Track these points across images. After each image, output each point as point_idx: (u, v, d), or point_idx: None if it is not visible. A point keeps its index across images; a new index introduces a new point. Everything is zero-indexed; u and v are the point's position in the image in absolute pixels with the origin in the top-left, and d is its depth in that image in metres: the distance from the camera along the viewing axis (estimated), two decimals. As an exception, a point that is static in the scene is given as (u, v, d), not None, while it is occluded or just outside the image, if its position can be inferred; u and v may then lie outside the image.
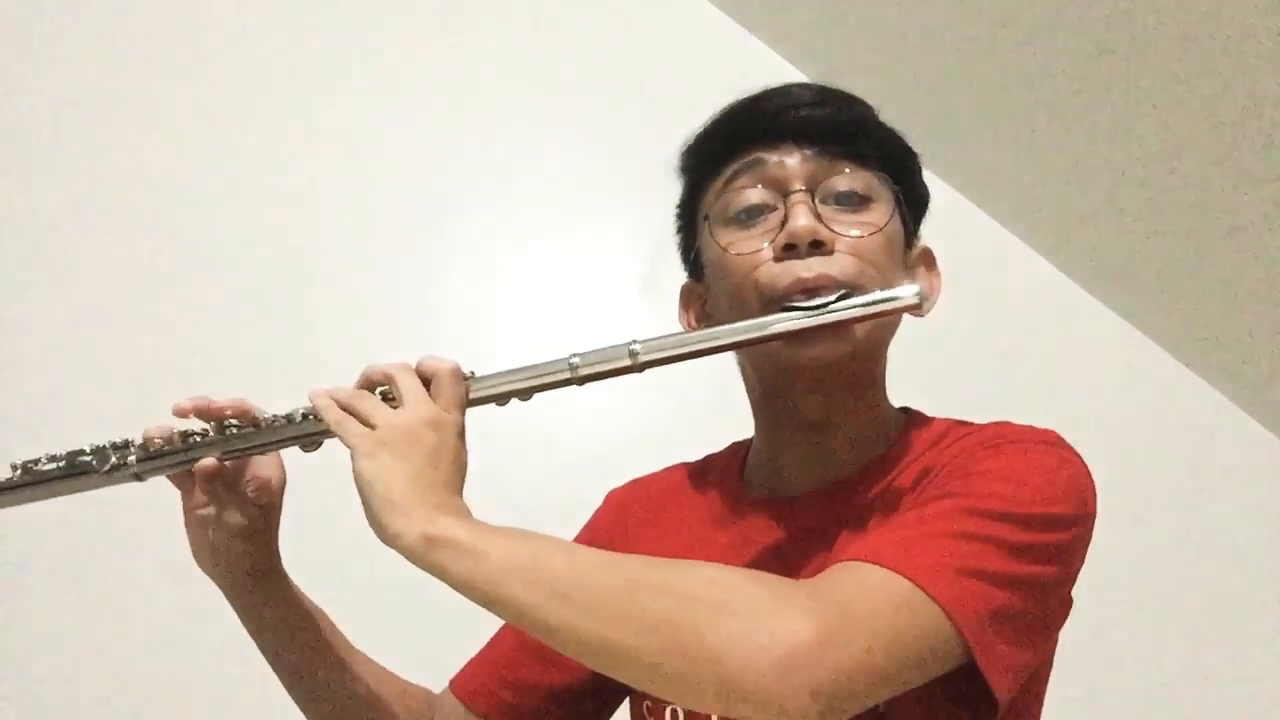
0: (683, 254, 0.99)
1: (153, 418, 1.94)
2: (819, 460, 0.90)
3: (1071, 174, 1.89)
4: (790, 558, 0.86)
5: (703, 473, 1.01)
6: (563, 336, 1.89)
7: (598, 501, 1.09)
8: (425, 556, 0.71)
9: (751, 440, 0.98)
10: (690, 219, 0.97)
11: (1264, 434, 1.90)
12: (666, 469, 1.06)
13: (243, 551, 0.89)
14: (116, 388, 1.81)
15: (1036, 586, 0.75)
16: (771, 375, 0.90)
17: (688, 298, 0.99)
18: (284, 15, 2.02)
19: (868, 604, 0.67)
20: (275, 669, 0.95)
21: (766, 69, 2.00)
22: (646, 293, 1.76)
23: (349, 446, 0.78)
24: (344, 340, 1.86)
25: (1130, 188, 1.83)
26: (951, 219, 2.10)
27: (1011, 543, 0.73)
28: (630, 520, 1.02)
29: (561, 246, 1.94)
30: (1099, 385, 1.92)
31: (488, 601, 0.70)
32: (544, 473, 1.77)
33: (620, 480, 1.09)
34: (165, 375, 1.83)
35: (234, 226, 1.91)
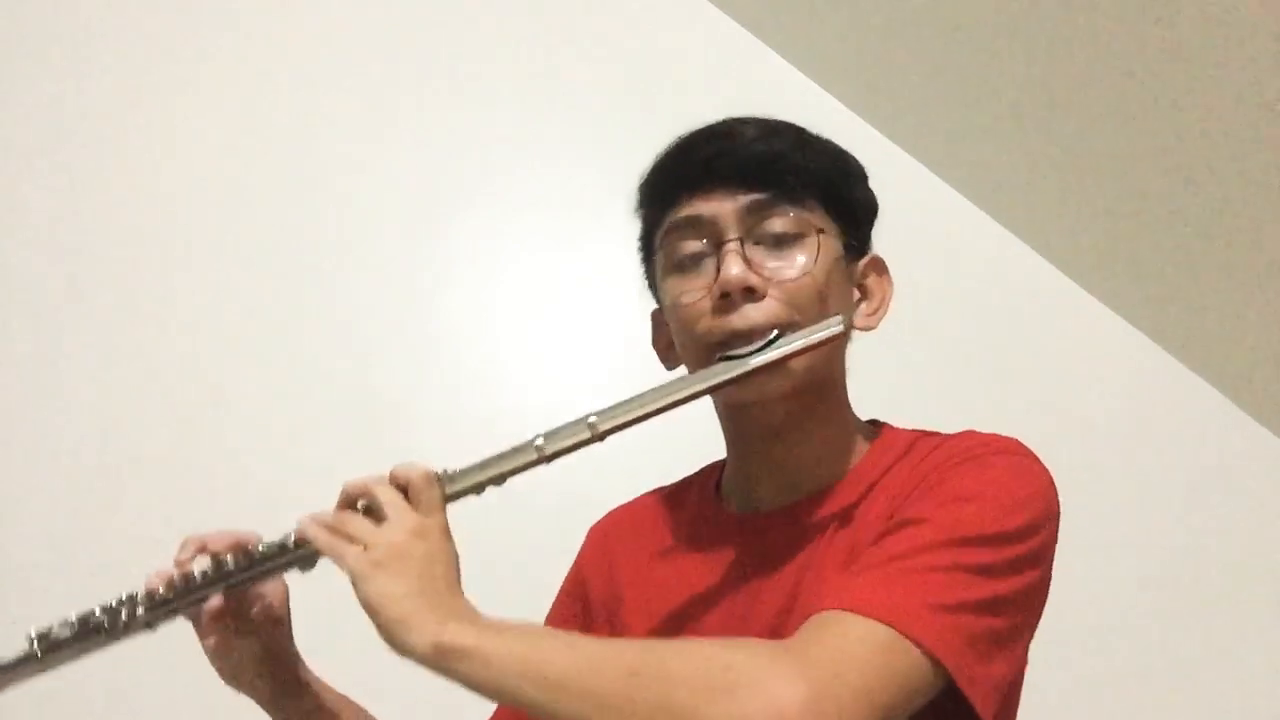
0: (648, 284, 1.04)
1: (153, 418, 1.94)
2: (788, 473, 0.94)
3: (1072, 174, 1.89)
4: (765, 572, 0.91)
5: (679, 494, 1.06)
6: (562, 335, 1.91)
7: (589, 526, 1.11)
8: (437, 665, 0.75)
9: (724, 462, 1.03)
10: (649, 253, 1.01)
11: (1264, 434, 1.90)
12: (644, 495, 1.10)
13: (261, 666, 0.94)
14: (115, 387, 1.81)
15: (1013, 599, 0.79)
16: (730, 411, 0.96)
17: (658, 326, 1.03)
18: (284, 17, 2.02)
19: (852, 658, 0.71)
20: None
21: (768, 72, 2.01)
22: (646, 292, 1.76)
23: (346, 571, 0.81)
24: (343, 340, 1.86)
25: (1131, 188, 1.83)
26: (952, 219, 2.11)
27: (984, 564, 0.78)
28: (613, 547, 1.06)
29: (561, 250, 1.94)
30: (1098, 385, 1.92)
31: (496, 698, 0.75)
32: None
33: (605, 506, 1.12)
34: (165, 375, 1.84)
35: (232, 227, 1.91)
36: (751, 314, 0.89)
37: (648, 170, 1.00)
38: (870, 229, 1.00)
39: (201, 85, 1.98)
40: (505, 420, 1.66)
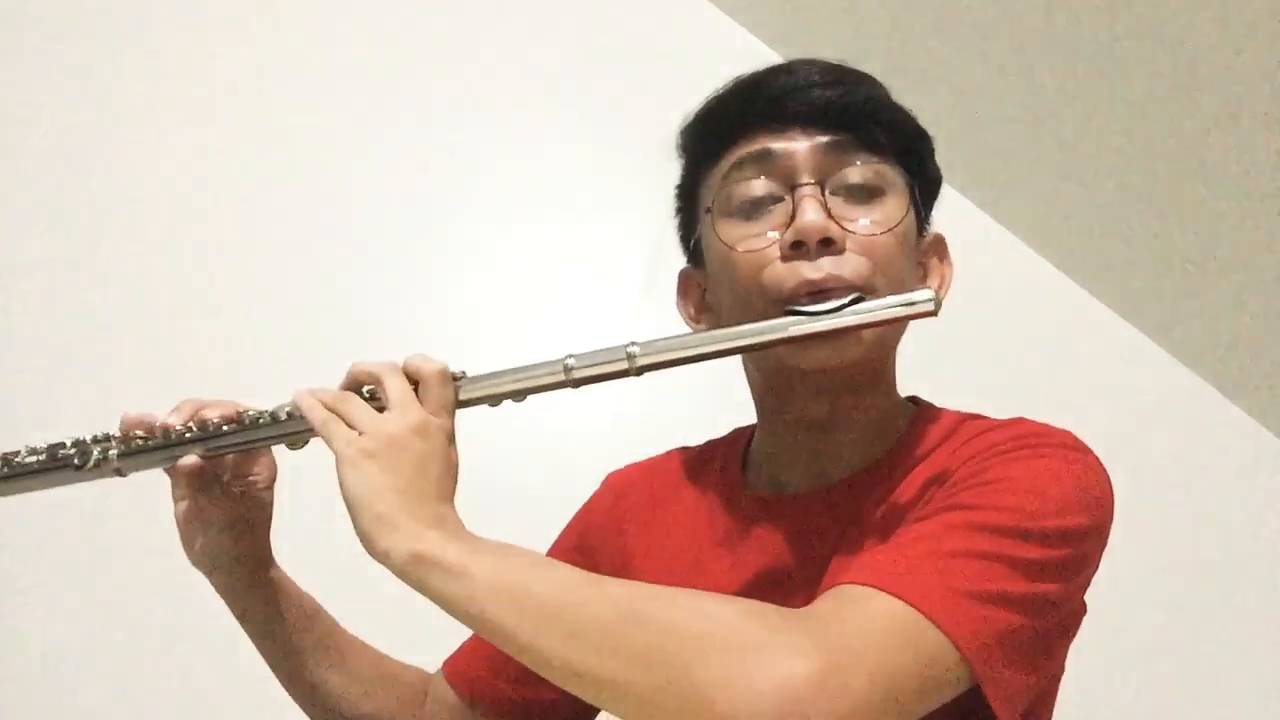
0: (682, 239, 0.94)
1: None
2: (822, 459, 0.86)
3: (1073, 176, 1.88)
4: (788, 558, 0.84)
5: (703, 462, 0.97)
6: (561, 335, 1.90)
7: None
8: (412, 575, 0.69)
9: (753, 429, 0.95)
10: (690, 203, 0.92)
11: (1264, 434, 1.90)
12: (666, 454, 1.02)
13: (231, 546, 0.88)
14: (115, 388, 1.81)
15: (1047, 604, 0.71)
16: (774, 375, 0.86)
17: (686, 285, 0.94)
18: (283, 15, 2.02)
19: (869, 636, 0.63)
20: (266, 660, 0.94)
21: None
22: (646, 292, 1.76)
23: (334, 452, 0.75)
24: (341, 338, 1.86)
25: (1131, 188, 1.83)
26: (952, 220, 2.11)
27: (1024, 560, 0.69)
28: (628, 507, 0.99)
29: (560, 245, 1.94)
30: (1099, 385, 1.92)
31: (472, 623, 0.68)
32: (543, 462, 1.76)
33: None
34: (164, 374, 1.83)
35: (230, 226, 1.91)
36: (829, 266, 0.79)
37: (698, 110, 0.89)
38: (933, 205, 0.91)
39: (202, 86, 1.97)
40: (505, 420, 1.65)
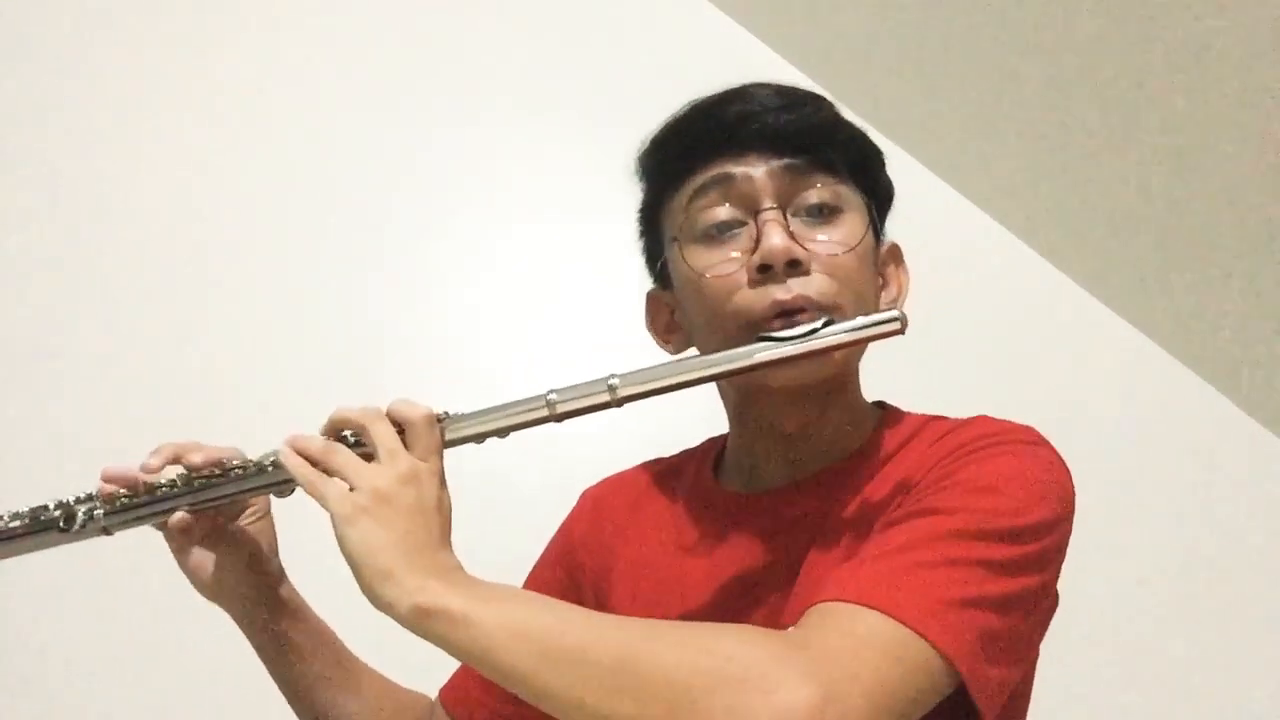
0: (647, 261, 0.97)
1: (147, 417, 1.94)
2: (794, 461, 0.90)
3: (1072, 174, 1.89)
4: (764, 553, 0.86)
5: (678, 469, 1.01)
6: (561, 335, 1.91)
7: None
8: (418, 627, 0.70)
9: (725, 437, 0.97)
10: (652, 228, 0.95)
11: (1264, 434, 1.90)
12: (641, 465, 1.05)
13: (238, 582, 0.90)
14: (113, 387, 1.81)
15: (1024, 599, 0.74)
16: (747, 392, 0.89)
17: (655, 306, 0.97)
18: (281, 16, 2.02)
19: (859, 656, 0.66)
20: (276, 682, 0.95)
21: (765, 69, 2.00)
22: (646, 292, 1.76)
23: (327, 511, 0.75)
24: (342, 338, 1.86)
25: (1131, 188, 1.83)
26: (951, 219, 2.12)
27: (997, 561, 0.72)
28: (606, 520, 1.01)
29: (561, 245, 1.94)
30: (1099, 385, 1.92)
31: (482, 667, 0.69)
32: (540, 467, 1.75)
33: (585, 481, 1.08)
34: (165, 374, 1.83)
35: (230, 227, 1.91)
36: (798, 287, 0.82)
37: (655, 135, 0.92)
38: (887, 215, 0.94)
39: (203, 88, 1.98)
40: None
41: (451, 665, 1.03)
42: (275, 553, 0.92)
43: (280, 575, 0.93)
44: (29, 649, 1.68)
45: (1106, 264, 1.94)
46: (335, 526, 0.74)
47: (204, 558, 0.88)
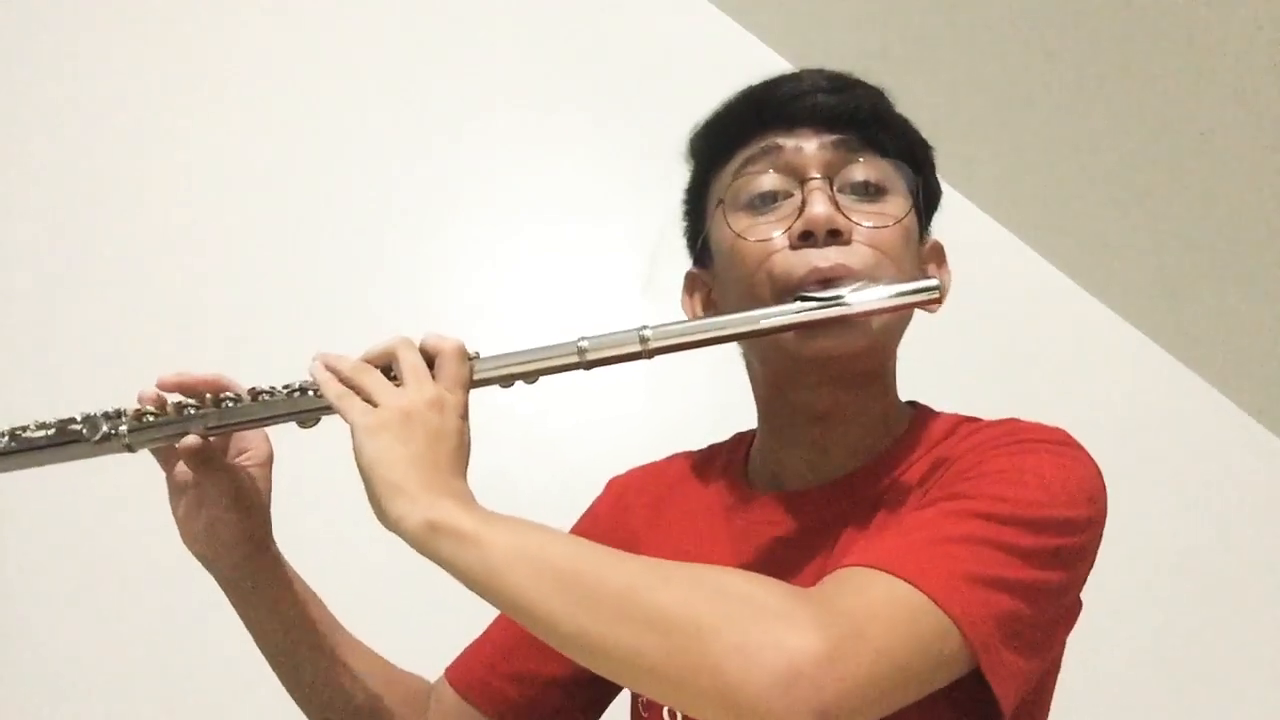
0: (689, 240, 0.97)
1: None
2: (824, 454, 0.88)
3: (1072, 174, 1.89)
4: (792, 554, 0.85)
5: (706, 464, 1.00)
6: (562, 335, 1.90)
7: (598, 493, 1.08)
8: (427, 543, 0.69)
9: (755, 431, 0.96)
10: (698, 205, 0.95)
11: (1264, 434, 1.90)
12: (669, 458, 1.04)
13: (232, 526, 0.88)
14: (113, 386, 1.81)
15: (1046, 592, 0.73)
16: (779, 366, 0.87)
17: (693, 284, 0.96)
18: (284, 13, 2.02)
19: (876, 616, 0.65)
20: (265, 654, 0.93)
21: (766, 69, 1.99)
22: (646, 292, 1.75)
23: (349, 424, 0.75)
24: (343, 338, 1.85)
25: (1131, 188, 1.83)
26: (951, 219, 2.11)
27: (1022, 547, 0.71)
28: (632, 510, 1.00)
29: (561, 246, 1.94)
30: (1099, 385, 1.92)
31: (486, 591, 0.68)
32: (550, 464, 1.76)
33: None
34: (163, 372, 1.83)
35: (233, 224, 1.91)
36: (837, 256, 0.82)
37: (708, 117, 0.93)
38: (933, 215, 0.94)
39: (205, 86, 1.97)
40: (504, 421, 1.66)
41: (447, 653, 1.03)
42: (267, 511, 0.91)
43: (270, 537, 0.91)
44: (29, 648, 1.68)
45: (1108, 265, 1.94)
46: (354, 438, 0.74)
47: (197, 500, 0.87)
